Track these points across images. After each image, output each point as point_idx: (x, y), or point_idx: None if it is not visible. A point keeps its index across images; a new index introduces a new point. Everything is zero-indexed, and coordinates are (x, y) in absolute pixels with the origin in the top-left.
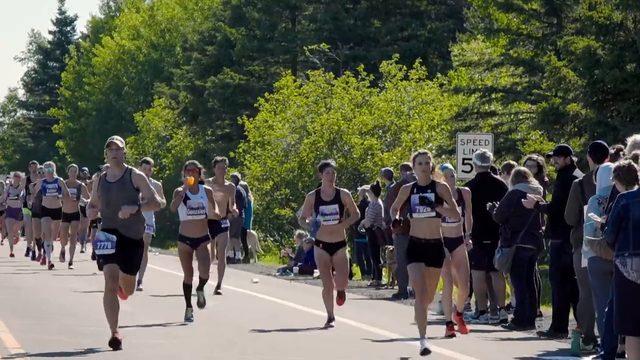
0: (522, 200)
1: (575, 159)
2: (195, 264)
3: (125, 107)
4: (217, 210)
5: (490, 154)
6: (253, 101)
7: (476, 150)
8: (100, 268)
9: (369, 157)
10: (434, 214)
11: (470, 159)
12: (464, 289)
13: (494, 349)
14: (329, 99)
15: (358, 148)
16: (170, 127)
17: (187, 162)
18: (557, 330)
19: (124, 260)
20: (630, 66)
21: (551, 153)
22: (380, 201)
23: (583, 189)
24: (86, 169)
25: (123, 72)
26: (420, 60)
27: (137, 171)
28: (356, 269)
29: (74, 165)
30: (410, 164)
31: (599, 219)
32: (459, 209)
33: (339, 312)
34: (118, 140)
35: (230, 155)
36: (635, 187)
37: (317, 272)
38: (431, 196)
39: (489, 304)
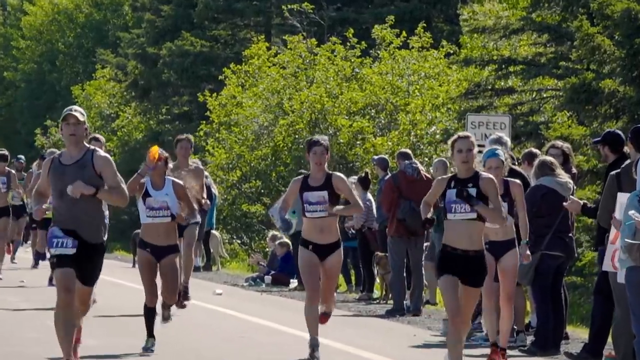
0: (565, 204)
1: (626, 149)
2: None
3: (61, 79)
4: (184, 213)
5: (507, 139)
6: (218, 73)
7: (490, 134)
8: (53, 267)
9: (358, 142)
10: (474, 215)
11: (483, 146)
12: (505, 307)
13: None
14: (311, 71)
15: (345, 131)
16: (116, 104)
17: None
18: (593, 354)
19: (80, 269)
20: None
21: (598, 139)
22: (370, 196)
23: (620, 183)
24: (22, 157)
25: (59, 36)
26: (423, 24)
27: (102, 152)
28: (341, 279)
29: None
30: (450, 151)
31: None
32: (504, 207)
33: (320, 331)
34: (77, 112)
35: None
36: None
37: (293, 283)
38: (472, 191)
39: None
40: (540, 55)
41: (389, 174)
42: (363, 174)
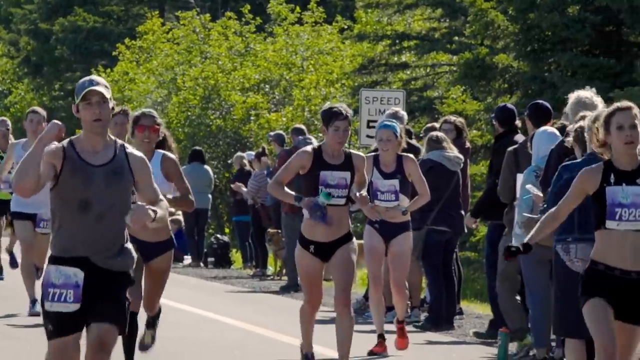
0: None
1: (518, 123)
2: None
3: None
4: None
5: (404, 113)
6: (111, 49)
7: (384, 110)
8: (49, 334)
9: (252, 118)
10: None
11: (376, 121)
12: (397, 291)
13: (405, 357)
14: (205, 47)
15: (239, 107)
16: (8, 80)
17: (139, 112)
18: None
19: (100, 303)
20: (572, 9)
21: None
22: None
23: (518, 159)
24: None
25: None
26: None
27: (135, 151)
28: (237, 256)
29: None
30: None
31: (539, 192)
32: (396, 185)
33: (209, 305)
34: (101, 85)
35: None
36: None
37: (188, 259)
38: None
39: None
40: (434, 30)
41: (283, 150)
42: (260, 150)
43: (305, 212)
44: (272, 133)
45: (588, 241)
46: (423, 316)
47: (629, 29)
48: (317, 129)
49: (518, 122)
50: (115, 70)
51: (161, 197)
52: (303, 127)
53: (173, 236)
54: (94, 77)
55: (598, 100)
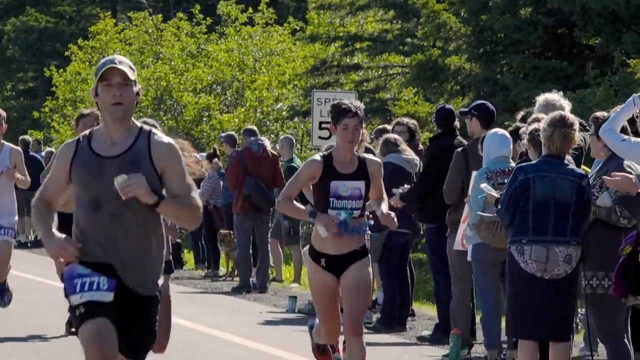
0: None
1: (457, 124)
2: None
3: None
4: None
5: None
6: (63, 49)
7: None
8: (75, 330)
9: (204, 119)
10: None
11: (329, 122)
12: None
13: None
14: (158, 47)
15: (191, 108)
16: None
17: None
18: (446, 334)
19: (122, 330)
20: (525, 11)
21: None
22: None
23: (467, 160)
24: None
25: None
26: (267, 1)
27: (162, 135)
28: (188, 256)
29: None
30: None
31: (494, 193)
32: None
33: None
34: (124, 64)
35: (34, 115)
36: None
37: None
38: None
39: None
40: (387, 32)
41: (235, 151)
42: (212, 151)
43: (320, 228)
44: (223, 134)
45: (542, 243)
46: (375, 317)
47: (581, 31)
48: (269, 129)
49: (457, 124)
50: (68, 70)
51: (195, 194)
52: (255, 128)
53: (172, 260)
54: (117, 56)
55: (565, 103)
